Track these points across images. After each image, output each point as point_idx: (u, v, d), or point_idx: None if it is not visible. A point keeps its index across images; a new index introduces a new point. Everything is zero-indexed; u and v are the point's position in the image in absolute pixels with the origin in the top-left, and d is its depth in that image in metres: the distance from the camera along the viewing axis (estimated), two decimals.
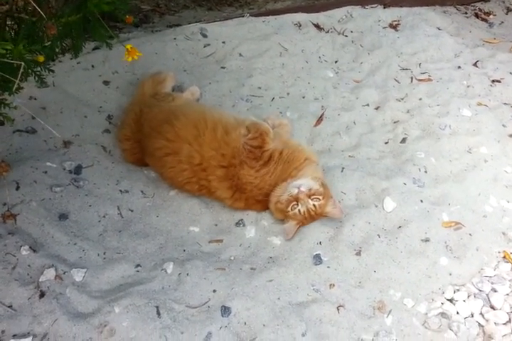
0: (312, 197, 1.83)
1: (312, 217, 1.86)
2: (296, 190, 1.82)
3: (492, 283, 1.80)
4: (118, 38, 1.52)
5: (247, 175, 1.88)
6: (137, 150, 2.13)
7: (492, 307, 1.74)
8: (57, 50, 1.54)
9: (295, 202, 1.83)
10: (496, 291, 1.78)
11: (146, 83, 2.38)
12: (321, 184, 1.88)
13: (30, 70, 1.43)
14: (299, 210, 1.82)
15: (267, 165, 1.91)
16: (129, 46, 1.36)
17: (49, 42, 1.41)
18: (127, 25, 3.27)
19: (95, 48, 2.71)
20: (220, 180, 1.90)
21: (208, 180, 1.91)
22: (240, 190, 1.90)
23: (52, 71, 1.54)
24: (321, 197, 1.84)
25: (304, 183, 1.84)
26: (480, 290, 1.78)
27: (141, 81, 2.45)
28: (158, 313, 1.56)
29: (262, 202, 1.94)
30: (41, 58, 1.35)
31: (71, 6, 1.44)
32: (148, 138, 2.04)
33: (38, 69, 1.48)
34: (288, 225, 1.86)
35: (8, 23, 1.51)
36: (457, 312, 1.71)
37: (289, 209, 1.83)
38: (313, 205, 1.83)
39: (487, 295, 1.77)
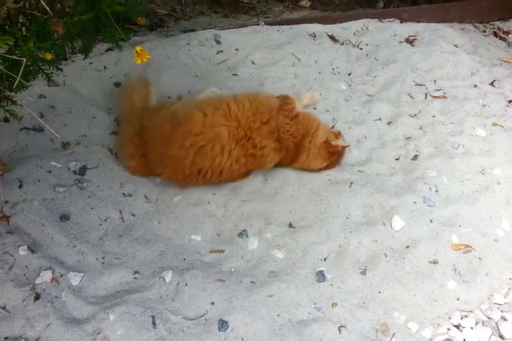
0: None
1: None
2: None
3: (502, 311, 1.73)
4: (129, 40, 1.49)
5: (284, 123, 2.11)
6: (145, 165, 2.08)
7: (501, 337, 1.67)
8: (67, 48, 1.51)
9: None
10: (505, 320, 1.71)
11: (131, 97, 2.32)
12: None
13: (38, 68, 1.40)
14: None
15: (298, 116, 2.17)
16: (138, 48, 1.33)
17: (59, 40, 1.38)
18: (142, 28, 3.28)
19: (108, 49, 2.71)
20: (266, 137, 2.05)
21: (254, 145, 2.03)
22: (280, 141, 2.10)
23: (61, 70, 1.52)
24: None
25: None
26: (489, 318, 1.72)
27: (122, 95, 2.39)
28: (154, 323, 1.51)
29: (290, 153, 2.14)
30: (49, 56, 1.32)
31: (84, 5, 1.41)
32: (164, 146, 1.98)
33: (46, 67, 1.45)
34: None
35: (21, 20, 1.49)
36: (464, 340, 1.64)
37: None
38: None
39: (496, 323, 1.70)
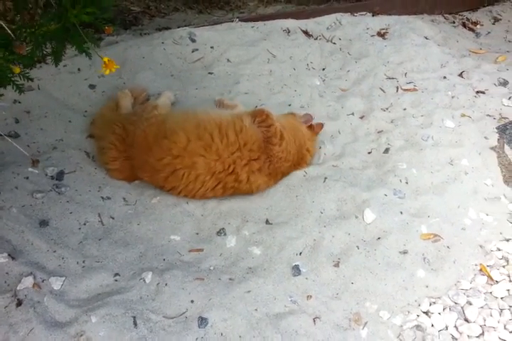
0: None
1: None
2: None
3: (468, 296, 1.82)
4: (99, 48, 1.52)
5: (277, 152, 2.10)
6: (127, 168, 2.11)
7: (466, 320, 1.76)
8: (36, 59, 1.53)
9: None
10: (471, 304, 1.80)
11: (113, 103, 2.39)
12: None
13: (8, 79, 1.43)
14: None
15: (283, 137, 2.13)
16: (106, 59, 1.37)
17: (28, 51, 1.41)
18: (116, 27, 3.27)
19: None
20: (257, 172, 2.07)
21: (238, 181, 2.04)
22: (274, 172, 2.14)
23: (31, 80, 1.54)
24: None
25: None
26: (455, 303, 1.80)
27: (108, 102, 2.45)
28: (135, 323, 1.56)
29: (284, 172, 2.20)
30: (17, 70, 1.36)
31: (51, 15, 1.43)
32: (147, 153, 2.01)
33: (16, 78, 1.48)
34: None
35: None
36: (432, 325, 1.73)
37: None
38: None
39: (462, 308, 1.79)
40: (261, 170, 2.08)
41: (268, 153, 2.09)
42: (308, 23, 3.23)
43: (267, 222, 2.05)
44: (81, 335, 1.51)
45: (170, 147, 1.98)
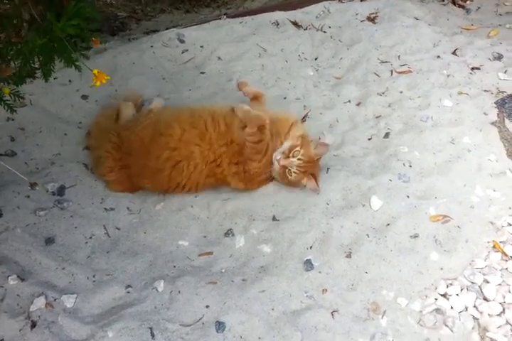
0: (292, 153, 2.02)
1: (310, 164, 2.04)
2: (276, 163, 2.04)
3: (484, 274, 1.80)
4: (88, 59, 1.50)
5: (253, 168, 2.05)
6: (125, 179, 2.09)
7: (485, 299, 1.75)
8: (25, 74, 1.52)
9: (287, 169, 2.03)
10: (488, 282, 1.78)
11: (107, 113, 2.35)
12: (298, 136, 2.07)
13: None
14: (294, 172, 2.02)
15: (267, 153, 2.06)
16: (96, 71, 1.35)
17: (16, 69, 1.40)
18: (104, 34, 3.24)
19: None
20: (233, 175, 2.06)
21: (223, 175, 2.06)
22: (249, 181, 2.09)
23: (23, 98, 1.53)
24: (299, 148, 2.02)
25: (277, 154, 2.05)
26: (472, 283, 1.79)
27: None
28: (153, 335, 1.55)
29: (261, 181, 2.13)
30: (7, 91, 1.35)
31: (37, 30, 1.41)
32: (146, 157, 2.01)
33: (7, 97, 1.47)
34: (308, 184, 2.05)
35: None
36: (451, 307, 1.72)
37: (289, 176, 2.03)
38: (299, 159, 2.01)
39: (479, 287, 1.78)
40: (236, 174, 2.06)
41: (245, 164, 2.05)
42: (297, 14, 3.18)
43: (273, 218, 2.03)
44: None
45: (167, 141, 2.00)
